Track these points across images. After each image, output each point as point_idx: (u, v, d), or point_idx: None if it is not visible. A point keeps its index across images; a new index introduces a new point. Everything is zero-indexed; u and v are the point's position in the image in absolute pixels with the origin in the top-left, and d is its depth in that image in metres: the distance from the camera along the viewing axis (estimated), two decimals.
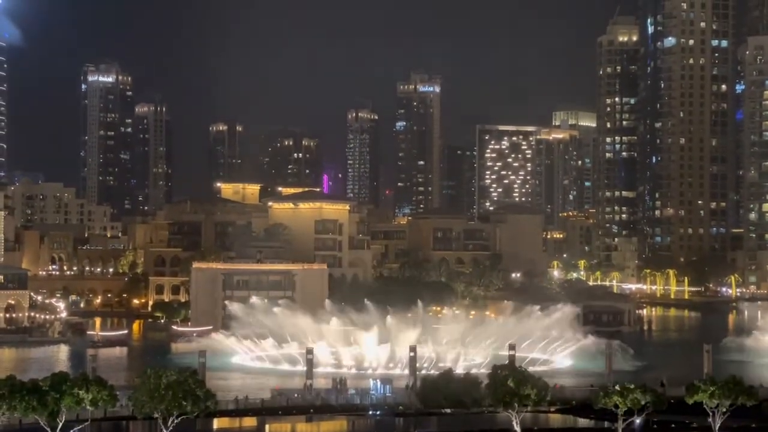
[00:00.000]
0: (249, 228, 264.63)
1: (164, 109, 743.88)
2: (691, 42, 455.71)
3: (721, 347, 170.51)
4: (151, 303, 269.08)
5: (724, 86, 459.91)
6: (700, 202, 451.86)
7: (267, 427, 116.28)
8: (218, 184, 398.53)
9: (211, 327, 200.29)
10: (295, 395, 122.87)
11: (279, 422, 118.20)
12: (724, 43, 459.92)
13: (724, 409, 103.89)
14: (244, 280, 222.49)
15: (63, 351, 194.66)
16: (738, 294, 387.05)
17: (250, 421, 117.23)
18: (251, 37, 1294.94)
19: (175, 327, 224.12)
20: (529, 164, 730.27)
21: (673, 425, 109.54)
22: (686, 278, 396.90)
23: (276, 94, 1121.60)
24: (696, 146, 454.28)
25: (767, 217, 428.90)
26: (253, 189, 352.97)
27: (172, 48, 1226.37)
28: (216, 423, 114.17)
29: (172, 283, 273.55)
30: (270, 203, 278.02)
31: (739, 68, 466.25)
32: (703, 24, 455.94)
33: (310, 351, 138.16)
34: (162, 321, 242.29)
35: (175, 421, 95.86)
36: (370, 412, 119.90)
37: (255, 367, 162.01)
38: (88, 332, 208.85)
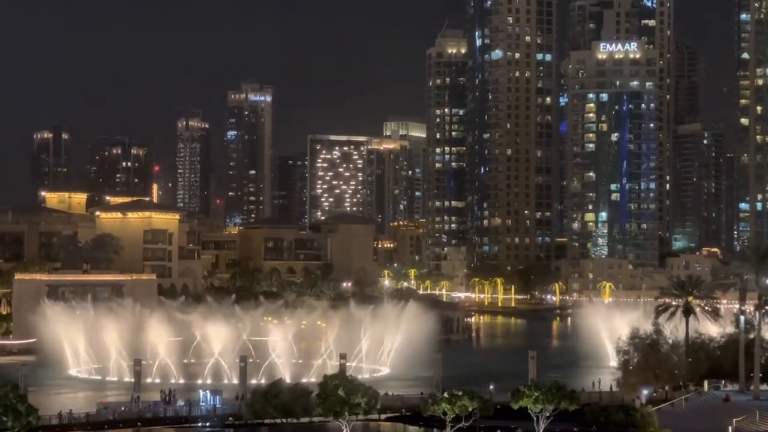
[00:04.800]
0: (75, 238, 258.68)
1: None
2: (517, 55, 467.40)
3: (545, 353, 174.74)
4: None
5: (548, 99, 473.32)
6: (526, 211, 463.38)
7: None
8: (43, 193, 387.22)
9: (34, 340, 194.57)
10: (122, 408, 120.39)
11: None
12: (549, 57, 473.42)
13: (548, 414, 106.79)
14: (69, 291, 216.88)
15: None
16: (561, 301, 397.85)
17: None
18: (75, 41, 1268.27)
19: None
20: (360, 174, 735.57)
21: (498, 430, 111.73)
22: (513, 286, 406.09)
23: (104, 101, 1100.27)
24: (522, 157, 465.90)
25: (589, 227, 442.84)
26: (79, 198, 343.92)
27: None
28: None
29: None
30: (97, 213, 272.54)
31: (562, 81, 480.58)
32: (528, 38, 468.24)
33: (137, 362, 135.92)
34: None
35: None
36: (200, 424, 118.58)
37: (82, 380, 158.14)
38: None
